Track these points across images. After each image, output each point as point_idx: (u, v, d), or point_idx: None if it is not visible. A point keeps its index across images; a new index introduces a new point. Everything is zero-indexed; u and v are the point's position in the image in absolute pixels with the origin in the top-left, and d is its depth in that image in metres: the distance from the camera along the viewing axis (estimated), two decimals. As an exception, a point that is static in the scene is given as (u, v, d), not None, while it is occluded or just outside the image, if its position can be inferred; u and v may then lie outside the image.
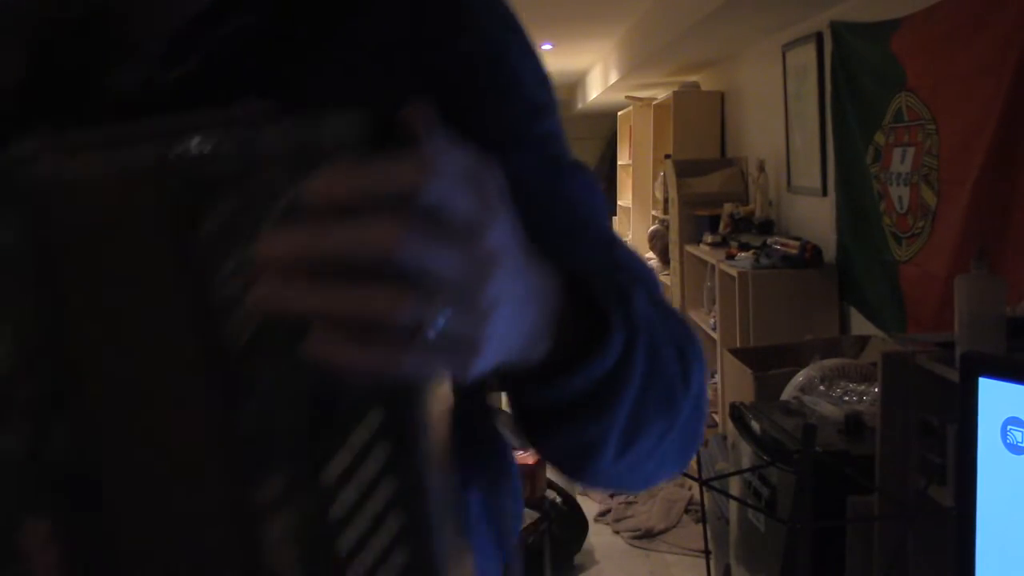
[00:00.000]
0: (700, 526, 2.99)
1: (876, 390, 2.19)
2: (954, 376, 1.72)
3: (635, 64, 5.66)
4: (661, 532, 4.00)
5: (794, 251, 3.71)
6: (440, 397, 0.46)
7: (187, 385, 0.46)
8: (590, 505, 4.13)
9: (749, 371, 3.15)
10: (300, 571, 0.45)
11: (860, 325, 3.47)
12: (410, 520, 0.45)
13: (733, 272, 3.84)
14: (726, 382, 3.73)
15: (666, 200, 5.44)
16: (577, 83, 8.75)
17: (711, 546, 2.89)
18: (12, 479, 0.47)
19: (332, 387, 0.44)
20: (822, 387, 2.76)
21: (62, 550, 0.47)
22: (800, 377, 2.84)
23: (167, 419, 0.47)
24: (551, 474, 3.69)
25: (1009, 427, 1.34)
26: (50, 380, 0.47)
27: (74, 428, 0.47)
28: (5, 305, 0.47)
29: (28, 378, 0.46)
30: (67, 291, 0.46)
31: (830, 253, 3.69)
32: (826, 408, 2.56)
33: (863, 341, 3.20)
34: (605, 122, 8.95)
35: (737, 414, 2.71)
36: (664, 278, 5.21)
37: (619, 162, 8.19)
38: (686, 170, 5.08)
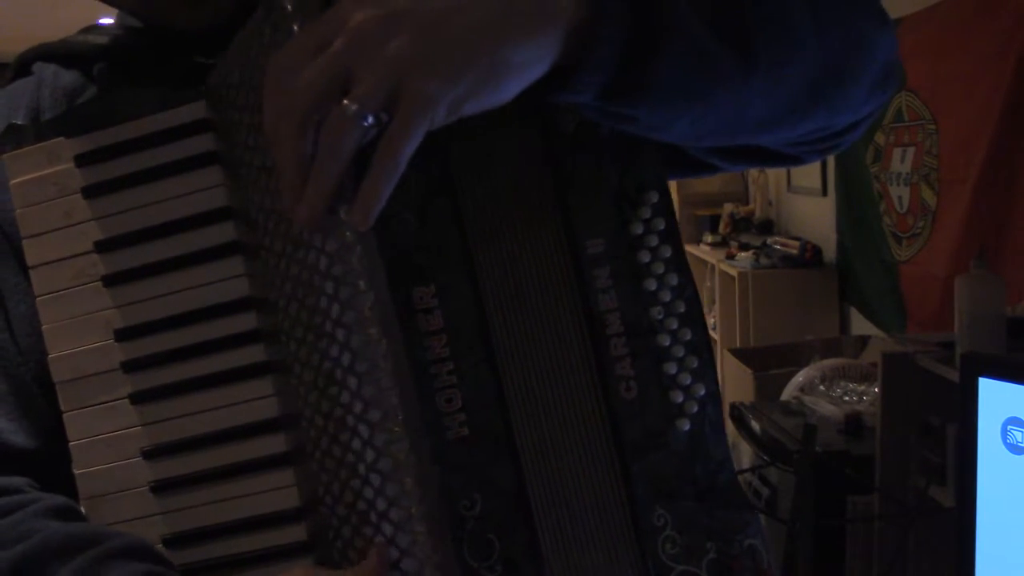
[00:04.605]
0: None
1: (876, 390, 2.19)
2: (954, 376, 1.72)
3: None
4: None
5: (794, 251, 3.71)
6: None
7: None
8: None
9: (749, 371, 3.15)
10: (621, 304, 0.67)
11: (860, 325, 3.47)
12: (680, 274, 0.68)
13: (733, 272, 3.83)
14: (726, 382, 3.73)
15: (666, 200, 5.43)
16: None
17: (711, 546, 2.88)
18: None
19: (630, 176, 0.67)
20: (822, 387, 2.76)
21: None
22: (800, 377, 2.84)
23: None
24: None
25: (1009, 427, 1.34)
26: None
27: None
28: None
29: None
30: None
31: (830, 253, 3.69)
32: (826, 408, 2.56)
33: (863, 341, 3.20)
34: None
35: (737, 414, 2.71)
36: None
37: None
38: (686, 170, 5.07)
